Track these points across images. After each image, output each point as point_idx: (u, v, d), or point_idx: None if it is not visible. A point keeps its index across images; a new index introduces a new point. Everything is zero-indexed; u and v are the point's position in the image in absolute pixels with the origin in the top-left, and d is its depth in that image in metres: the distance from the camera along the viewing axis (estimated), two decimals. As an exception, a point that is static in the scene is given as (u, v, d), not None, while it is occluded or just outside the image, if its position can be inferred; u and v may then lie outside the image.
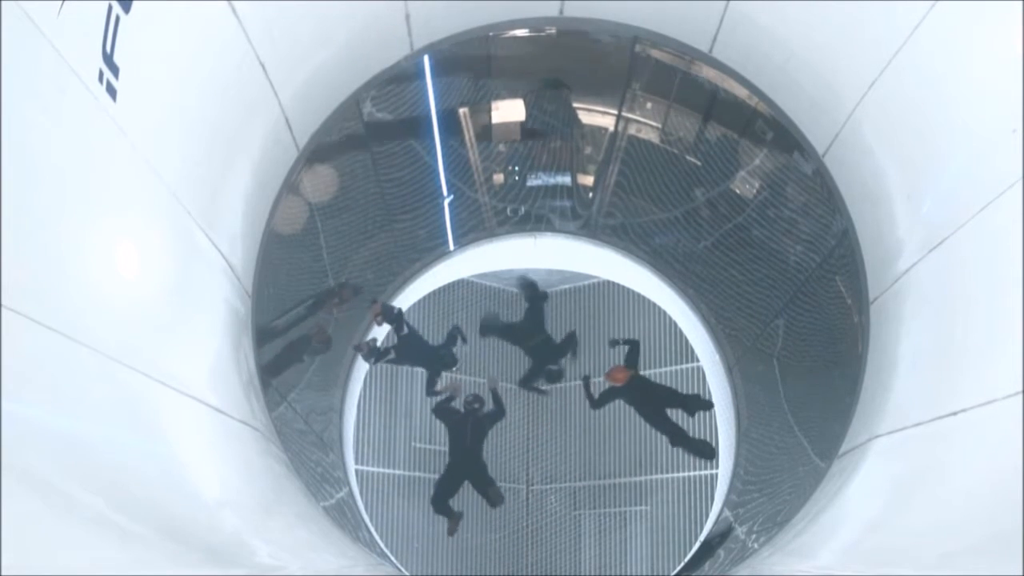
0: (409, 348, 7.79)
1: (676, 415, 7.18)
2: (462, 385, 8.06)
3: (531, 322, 8.37)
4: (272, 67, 4.16)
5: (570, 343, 8.63)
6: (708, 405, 7.58)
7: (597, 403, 7.28)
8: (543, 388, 9.03)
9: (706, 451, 7.44)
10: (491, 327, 8.74)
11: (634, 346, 7.28)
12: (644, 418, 7.25)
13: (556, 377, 8.70)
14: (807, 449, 5.75)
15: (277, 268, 5.63)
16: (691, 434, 7.39)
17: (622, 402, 7.27)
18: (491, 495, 7.25)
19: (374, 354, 7.71)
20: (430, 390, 8.17)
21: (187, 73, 3.49)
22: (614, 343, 7.68)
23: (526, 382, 8.71)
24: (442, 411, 7.29)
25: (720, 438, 8.41)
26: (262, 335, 5.15)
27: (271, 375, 5.55)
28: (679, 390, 7.52)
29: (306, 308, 6.74)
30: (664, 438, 7.37)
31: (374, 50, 5.04)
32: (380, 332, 8.15)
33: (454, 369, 8.46)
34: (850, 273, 5.03)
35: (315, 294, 6.89)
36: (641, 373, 7.25)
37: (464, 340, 8.35)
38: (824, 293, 5.84)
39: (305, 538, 4.38)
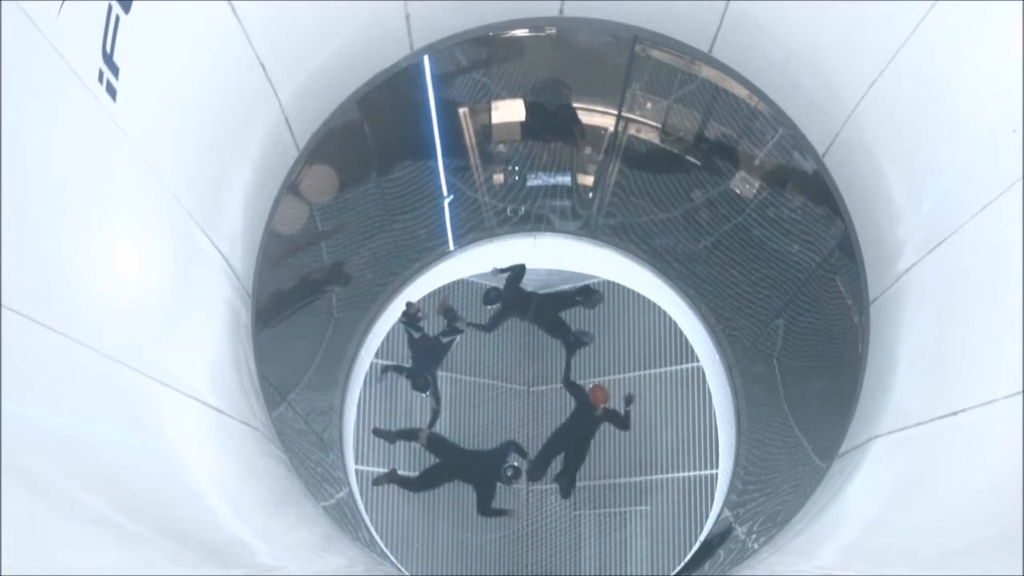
0: (424, 348, 7.85)
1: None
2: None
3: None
4: (272, 67, 4.16)
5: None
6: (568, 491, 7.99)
7: (567, 383, 7.71)
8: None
9: (566, 490, 8.00)
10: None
11: (627, 417, 7.54)
12: (553, 435, 7.65)
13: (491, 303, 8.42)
14: (807, 449, 5.75)
15: (277, 268, 5.63)
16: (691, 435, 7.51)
17: (625, 406, 7.47)
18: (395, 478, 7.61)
19: (414, 321, 7.81)
20: (382, 374, 8.48)
21: (187, 73, 3.49)
22: (630, 400, 7.77)
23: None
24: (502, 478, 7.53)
25: (720, 438, 8.40)
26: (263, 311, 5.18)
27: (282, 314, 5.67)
28: (583, 459, 7.84)
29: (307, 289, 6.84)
30: (663, 443, 7.54)
31: (374, 50, 5.03)
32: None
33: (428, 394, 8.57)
34: (850, 273, 5.03)
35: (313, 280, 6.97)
36: (595, 427, 7.58)
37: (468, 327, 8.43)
38: (824, 293, 5.84)
39: (305, 538, 4.38)
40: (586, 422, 7.42)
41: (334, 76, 4.95)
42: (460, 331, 8.02)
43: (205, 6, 3.47)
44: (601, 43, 5.98)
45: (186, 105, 3.54)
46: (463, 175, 7.60)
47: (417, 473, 7.76)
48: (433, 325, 8.44)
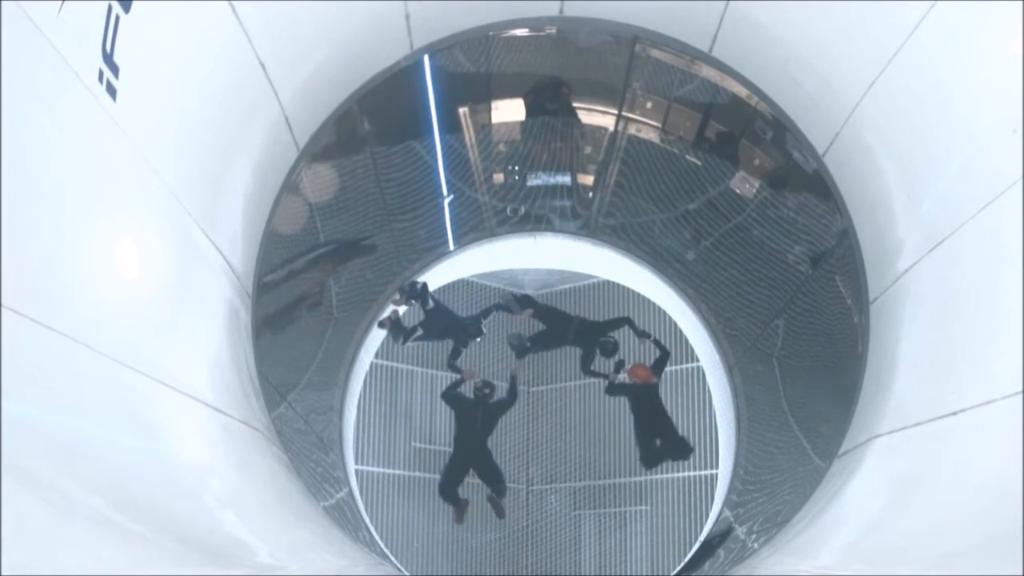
0: (437, 322, 7.68)
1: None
2: (475, 372, 7.97)
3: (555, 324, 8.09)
4: (272, 67, 4.16)
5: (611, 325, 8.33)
6: (689, 453, 7.62)
7: (610, 390, 7.40)
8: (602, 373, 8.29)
9: (684, 451, 7.49)
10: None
11: (665, 355, 7.30)
12: (635, 427, 7.33)
13: (611, 350, 7.92)
14: (807, 449, 5.75)
15: (277, 268, 5.63)
16: (691, 435, 7.42)
17: (622, 404, 7.32)
18: (496, 489, 7.24)
19: (402, 332, 7.55)
20: (452, 362, 8.02)
21: (187, 73, 3.50)
22: (644, 336, 7.56)
23: (585, 366, 8.26)
24: (451, 397, 7.33)
25: (720, 438, 8.40)
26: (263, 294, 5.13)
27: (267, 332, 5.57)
28: (679, 431, 7.52)
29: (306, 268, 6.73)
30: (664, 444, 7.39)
31: (374, 50, 5.04)
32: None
33: (478, 339, 8.14)
34: (850, 273, 5.03)
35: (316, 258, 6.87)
36: (659, 390, 7.29)
37: (509, 310, 8.20)
38: (824, 293, 5.84)
39: (305, 538, 4.38)
40: (653, 408, 7.18)
41: (334, 76, 4.95)
42: (425, 285, 7.64)
43: (205, 6, 3.47)
44: (601, 43, 5.98)
45: (186, 105, 3.54)
46: (463, 175, 7.59)
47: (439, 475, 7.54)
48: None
